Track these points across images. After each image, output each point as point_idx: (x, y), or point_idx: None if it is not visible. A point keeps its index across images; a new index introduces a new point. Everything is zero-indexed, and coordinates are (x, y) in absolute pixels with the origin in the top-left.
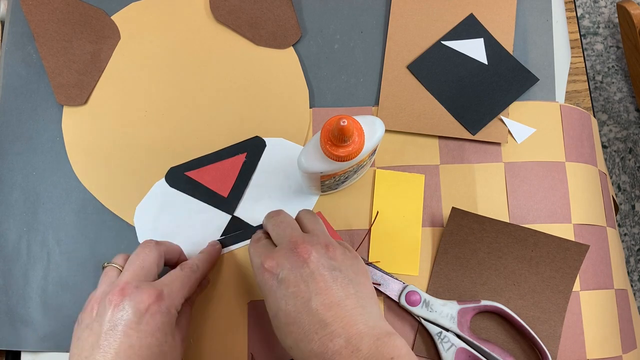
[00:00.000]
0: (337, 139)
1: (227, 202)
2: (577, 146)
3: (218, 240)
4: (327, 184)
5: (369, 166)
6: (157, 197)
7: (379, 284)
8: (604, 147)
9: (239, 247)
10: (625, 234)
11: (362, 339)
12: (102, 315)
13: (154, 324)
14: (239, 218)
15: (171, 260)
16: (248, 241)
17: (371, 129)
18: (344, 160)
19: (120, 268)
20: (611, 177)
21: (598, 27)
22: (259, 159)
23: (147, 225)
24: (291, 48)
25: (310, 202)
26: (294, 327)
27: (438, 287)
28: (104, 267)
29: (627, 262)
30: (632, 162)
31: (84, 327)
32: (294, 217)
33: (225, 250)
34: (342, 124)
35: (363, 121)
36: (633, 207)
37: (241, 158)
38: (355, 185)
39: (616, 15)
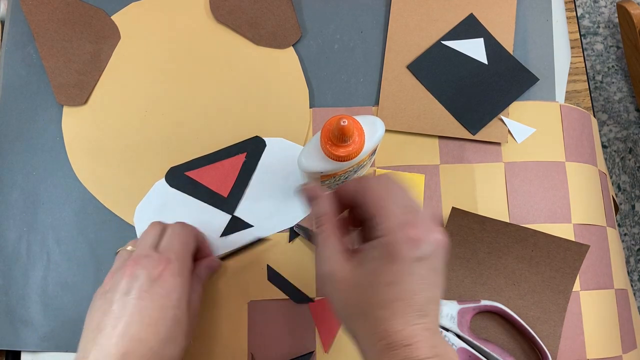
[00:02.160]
0: (337, 139)
1: (227, 202)
2: (577, 146)
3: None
4: (327, 183)
5: (369, 166)
6: (157, 197)
7: None
8: (604, 147)
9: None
10: (625, 234)
11: None
12: (116, 285)
13: (167, 286)
14: (239, 218)
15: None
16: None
17: (371, 129)
18: (344, 160)
19: (132, 250)
20: (611, 177)
21: (598, 27)
22: (259, 159)
23: (147, 225)
24: (291, 48)
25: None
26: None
27: None
28: (117, 253)
29: (627, 262)
30: (632, 162)
31: (97, 299)
32: None
33: (227, 250)
34: (342, 123)
35: (363, 121)
36: (633, 207)
37: (241, 158)
38: None
39: (616, 15)
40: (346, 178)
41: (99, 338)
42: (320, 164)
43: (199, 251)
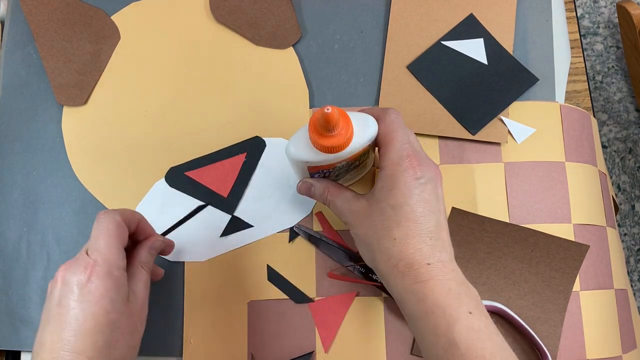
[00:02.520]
0: (323, 128)
1: (227, 202)
2: (577, 146)
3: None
4: (315, 177)
5: (370, 166)
6: (157, 197)
7: (380, 284)
8: (604, 147)
9: (240, 247)
10: (625, 234)
11: None
12: (51, 293)
13: (97, 292)
14: (239, 218)
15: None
16: (250, 241)
17: (363, 125)
18: (330, 152)
19: None
20: (611, 177)
21: (598, 27)
22: (259, 159)
23: None
24: (291, 48)
25: (310, 202)
26: None
27: None
28: None
29: (627, 262)
30: (632, 162)
31: (42, 312)
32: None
33: (226, 250)
34: (326, 111)
35: (355, 117)
36: (633, 207)
37: (241, 158)
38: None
39: (616, 15)
40: (337, 176)
41: (41, 353)
42: (307, 153)
43: (139, 233)
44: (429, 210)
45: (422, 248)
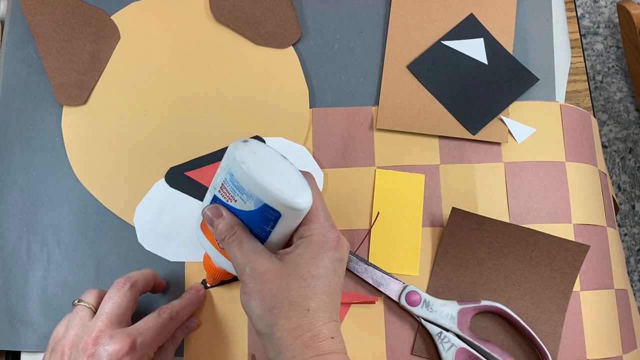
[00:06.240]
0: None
1: None
2: (577, 146)
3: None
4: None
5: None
6: (157, 197)
7: (380, 284)
8: (604, 147)
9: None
10: (625, 234)
11: None
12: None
13: None
14: None
15: (146, 290)
16: None
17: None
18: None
19: (91, 307)
20: (611, 177)
21: (598, 27)
22: None
23: (147, 225)
24: (291, 48)
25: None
26: None
27: (438, 287)
28: (74, 305)
29: (627, 262)
30: (632, 162)
31: None
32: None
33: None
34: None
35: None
36: (633, 207)
37: None
38: (355, 185)
39: (616, 15)
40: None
41: None
42: None
43: (156, 289)
44: (340, 285)
45: (329, 323)
